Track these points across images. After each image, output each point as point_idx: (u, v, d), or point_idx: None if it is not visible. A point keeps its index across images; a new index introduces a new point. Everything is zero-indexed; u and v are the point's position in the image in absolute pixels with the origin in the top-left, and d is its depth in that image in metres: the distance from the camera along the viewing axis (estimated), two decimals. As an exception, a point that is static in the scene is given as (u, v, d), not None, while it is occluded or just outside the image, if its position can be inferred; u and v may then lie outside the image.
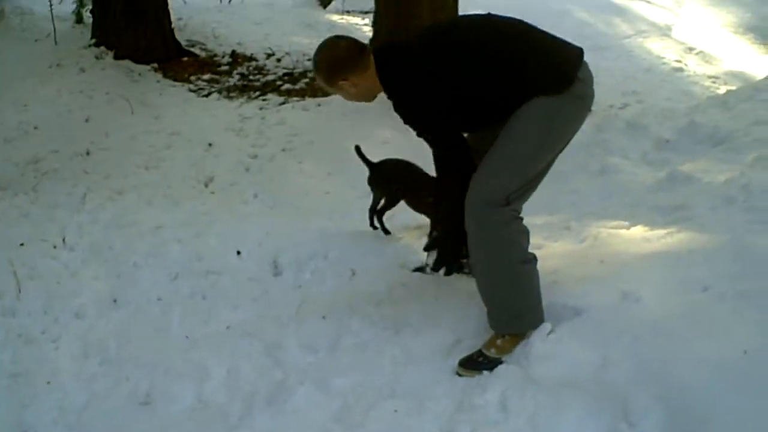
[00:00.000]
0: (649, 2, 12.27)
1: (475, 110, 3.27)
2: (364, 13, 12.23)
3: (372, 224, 4.62)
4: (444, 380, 3.22)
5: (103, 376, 3.53)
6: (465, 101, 3.22)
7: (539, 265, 3.27)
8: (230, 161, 6.29)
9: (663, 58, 9.45)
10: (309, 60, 8.93)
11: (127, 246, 4.77)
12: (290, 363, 3.47)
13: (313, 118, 7.06)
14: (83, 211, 5.32)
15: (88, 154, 6.51)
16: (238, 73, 8.74)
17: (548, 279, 3.53)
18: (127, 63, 8.67)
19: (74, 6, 10.24)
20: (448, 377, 3.24)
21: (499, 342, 3.24)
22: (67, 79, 8.21)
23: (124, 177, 6.03)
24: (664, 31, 10.87)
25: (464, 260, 3.74)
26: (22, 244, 4.74)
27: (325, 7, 13.04)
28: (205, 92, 8.13)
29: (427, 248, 3.68)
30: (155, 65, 8.76)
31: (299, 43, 9.92)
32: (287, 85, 8.21)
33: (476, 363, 3.23)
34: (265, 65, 8.98)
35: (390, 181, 4.52)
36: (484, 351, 3.25)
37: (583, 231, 4.32)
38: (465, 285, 3.83)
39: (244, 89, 8.19)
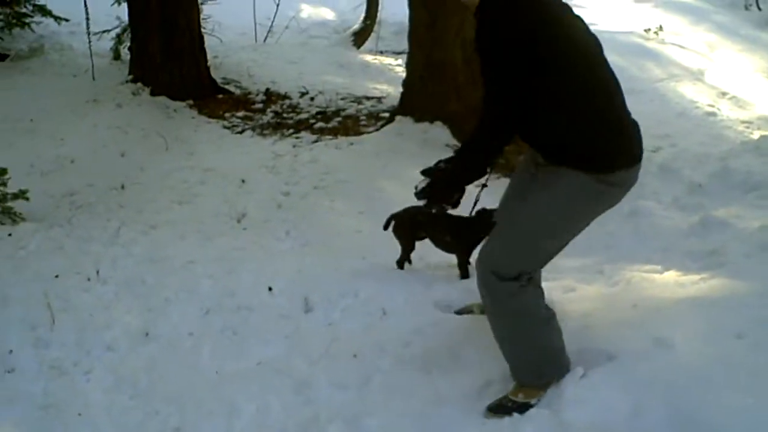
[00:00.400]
0: (681, 47, 12.27)
1: (534, 107, 3.02)
2: (397, 53, 12.31)
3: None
4: (473, 422, 3.22)
5: (133, 410, 3.55)
6: (538, 90, 2.98)
7: (572, 308, 3.27)
8: (263, 198, 6.33)
9: (696, 102, 9.42)
10: (342, 99, 9.02)
11: (160, 280, 4.80)
12: (320, 401, 3.48)
13: (346, 157, 7.09)
14: (117, 244, 5.36)
15: (122, 188, 6.57)
16: (272, 111, 8.80)
17: (581, 322, 3.52)
18: (163, 99, 8.77)
19: (112, 43, 10.41)
20: (477, 419, 3.24)
21: (525, 390, 3.24)
22: (103, 114, 8.31)
23: (157, 212, 6.08)
24: (697, 76, 10.85)
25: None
26: (56, 276, 4.79)
27: (358, 47, 13.14)
28: (239, 129, 8.19)
29: (424, 172, 3.44)
30: (191, 102, 8.85)
31: (332, 82, 10.00)
32: (320, 124, 8.25)
33: (505, 408, 3.22)
34: (298, 104, 9.05)
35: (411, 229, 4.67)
36: (512, 397, 3.24)
37: (616, 274, 4.31)
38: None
39: (278, 127, 8.25)
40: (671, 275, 4.07)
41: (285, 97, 9.29)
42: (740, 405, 2.74)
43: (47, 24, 10.86)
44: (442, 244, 4.61)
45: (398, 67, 11.09)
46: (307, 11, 15.52)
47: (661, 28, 12.59)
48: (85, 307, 4.46)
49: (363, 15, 13.62)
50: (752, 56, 12.06)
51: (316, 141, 7.69)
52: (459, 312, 4.08)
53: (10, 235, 5.36)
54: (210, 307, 4.43)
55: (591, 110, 3.03)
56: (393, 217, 4.67)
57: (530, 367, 3.24)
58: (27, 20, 10.57)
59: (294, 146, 7.52)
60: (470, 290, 4.29)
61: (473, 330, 3.84)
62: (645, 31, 12.48)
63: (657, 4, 15.37)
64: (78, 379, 3.81)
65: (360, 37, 13.35)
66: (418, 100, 7.57)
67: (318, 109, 8.75)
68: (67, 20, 10.62)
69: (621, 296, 3.89)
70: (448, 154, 6.85)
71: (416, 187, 3.33)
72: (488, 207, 4.30)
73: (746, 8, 15.37)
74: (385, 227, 4.66)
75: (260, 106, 8.97)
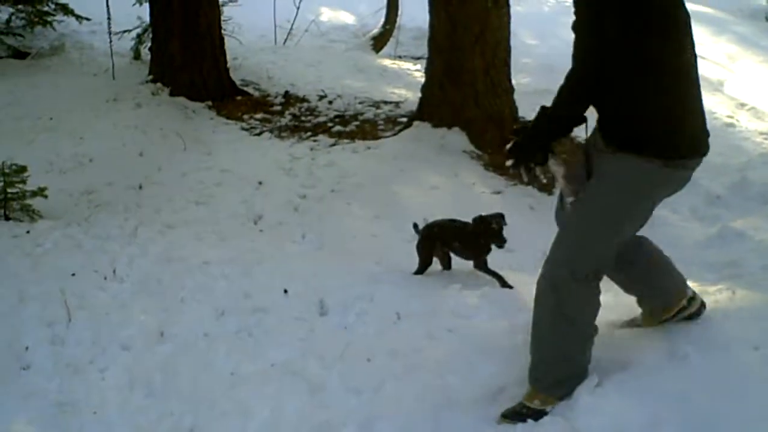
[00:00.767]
0: (702, 57, 12.18)
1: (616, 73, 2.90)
2: (415, 58, 12.33)
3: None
4: (486, 428, 3.20)
5: (148, 409, 3.56)
6: (635, 52, 2.87)
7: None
8: (279, 200, 6.35)
9: (715, 113, 9.38)
10: (360, 103, 9.02)
11: (176, 280, 4.81)
12: (334, 404, 3.47)
13: (363, 161, 7.11)
14: (134, 243, 5.39)
15: (140, 187, 6.61)
16: (290, 114, 8.83)
17: (596, 331, 3.50)
18: (182, 100, 8.82)
19: (133, 43, 10.47)
20: (489, 425, 3.22)
21: (541, 396, 3.23)
22: (123, 113, 8.36)
23: (174, 212, 6.11)
24: (717, 87, 10.80)
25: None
26: (73, 274, 4.81)
27: (377, 52, 13.16)
28: (257, 131, 8.22)
29: (513, 132, 3.35)
30: (209, 103, 8.90)
31: (351, 86, 10.02)
32: (338, 127, 8.27)
33: (520, 415, 3.20)
34: (316, 107, 9.07)
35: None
36: (526, 403, 3.23)
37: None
38: (509, 335, 3.82)
39: (296, 130, 8.27)
40: (688, 286, 4.05)
41: (303, 100, 9.31)
42: (757, 417, 2.72)
43: (69, 23, 10.96)
44: (455, 251, 4.68)
45: (416, 72, 11.10)
46: (327, 15, 15.55)
47: (681, 38, 12.53)
48: (101, 305, 4.47)
49: (382, 20, 13.65)
50: (773, 68, 12.02)
51: (333, 144, 7.71)
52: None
53: (28, 232, 5.40)
54: (225, 308, 4.43)
55: (678, 88, 2.99)
56: (418, 232, 4.87)
57: (557, 376, 3.22)
58: (49, 18, 10.65)
59: (311, 149, 7.54)
60: (485, 296, 4.30)
61: (487, 336, 3.84)
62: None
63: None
64: (93, 377, 3.81)
65: (379, 42, 13.38)
66: (436, 106, 7.59)
67: (336, 113, 8.77)
68: (88, 19, 10.71)
69: (635, 305, 3.87)
70: (465, 160, 6.91)
71: (506, 148, 3.27)
72: (484, 214, 4.52)
73: (767, 19, 15.30)
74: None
75: (278, 108, 9.00)
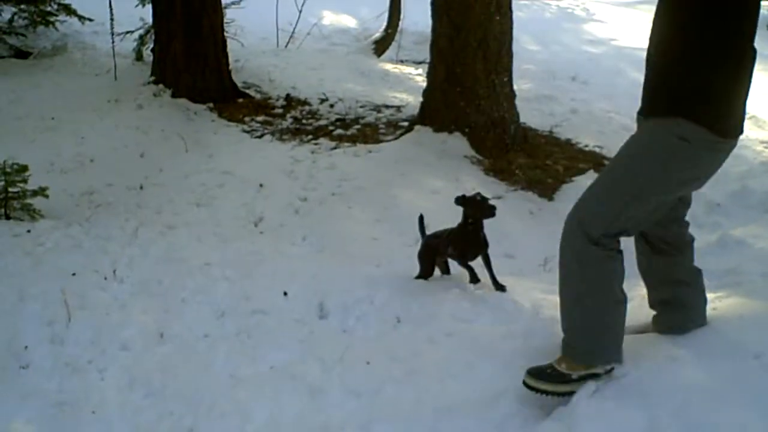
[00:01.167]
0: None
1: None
2: (417, 63, 12.35)
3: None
4: (485, 432, 3.21)
5: (147, 409, 3.56)
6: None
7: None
8: (280, 203, 6.36)
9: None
10: (361, 107, 9.04)
11: (176, 281, 4.82)
12: (333, 407, 3.48)
13: (364, 165, 7.12)
14: (134, 244, 5.39)
15: (141, 188, 6.62)
16: (291, 117, 8.84)
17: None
18: (183, 101, 8.84)
19: (135, 44, 10.49)
20: (489, 429, 3.22)
21: (568, 361, 3.21)
22: (124, 114, 8.37)
23: (175, 213, 6.12)
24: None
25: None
26: (74, 274, 4.81)
27: (379, 55, 13.18)
28: (259, 134, 8.23)
29: None
30: (211, 105, 8.90)
31: (352, 89, 10.04)
32: (339, 131, 8.28)
33: (543, 374, 3.19)
34: (318, 110, 9.09)
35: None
36: (555, 365, 3.21)
37: (631, 290, 4.27)
38: (508, 339, 3.83)
39: (297, 132, 8.28)
40: (687, 293, 4.06)
41: (305, 103, 9.33)
42: (757, 425, 2.72)
43: (71, 23, 10.99)
44: (451, 257, 4.70)
45: (418, 76, 11.13)
46: (329, 18, 15.59)
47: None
48: (101, 305, 4.47)
49: (384, 24, 13.67)
50: (773, 76, 12.02)
51: (334, 148, 7.71)
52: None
53: (29, 231, 5.40)
54: (225, 309, 4.44)
55: (740, 63, 2.96)
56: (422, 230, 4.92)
57: (585, 340, 3.19)
58: (51, 19, 10.69)
59: (312, 152, 7.55)
60: (485, 301, 4.31)
61: (486, 341, 3.85)
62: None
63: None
64: (93, 377, 3.82)
65: (381, 46, 13.41)
66: (437, 111, 7.60)
67: (337, 116, 8.78)
68: (91, 20, 10.74)
69: (636, 312, 3.87)
70: (466, 165, 6.92)
71: None
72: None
73: (768, 28, 15.30)
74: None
75: (280, 111, 9.01)
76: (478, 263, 4.55)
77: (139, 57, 10.44)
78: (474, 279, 4.55)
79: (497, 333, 3.93)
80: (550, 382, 3.17)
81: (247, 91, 9.63)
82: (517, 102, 7.78)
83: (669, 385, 3.05)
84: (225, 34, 9.60)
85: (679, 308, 3.49)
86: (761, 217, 5.40)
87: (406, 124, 8.11)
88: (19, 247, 5.16)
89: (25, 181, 5.66)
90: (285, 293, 4.59)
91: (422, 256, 4.81)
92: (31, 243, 5.25)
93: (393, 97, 9.82)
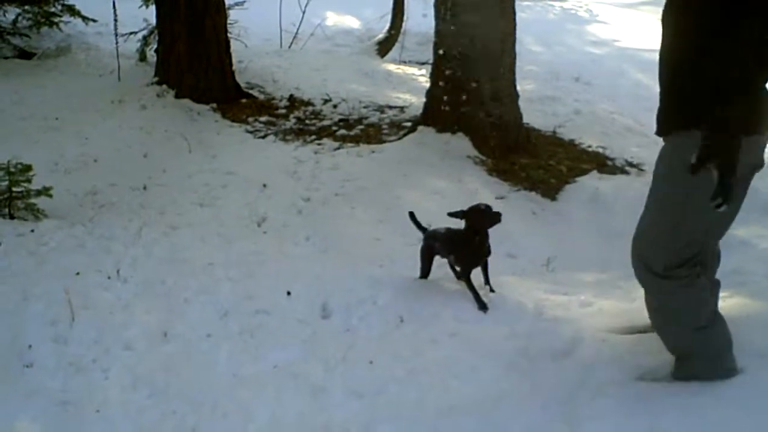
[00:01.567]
0: (706, 65, 12.21)
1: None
2: (420, 63, 12.36)
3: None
4: (487, 433, 3.22)
5: (150, 409, 3.56)
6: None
7: (589, 322, 3.26)
8: (283, 203, 6.36)
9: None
10: (365, 107, 9.04)
11: (179, 281, 4.81)
12: (335, 407, 3.48)
13: (367, 165, 7.12)
14: (138, 244, 5.39)
15: (145, 189, 6.62)
16: (294, 117, 8.84)
17: (597, 337, 3.51)
18: (187, 102, 8.84)
19: (139, 44, 10.50)
20: (492, 429, 3.22)
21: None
22: (128, 115, 8.38)
23: (179, 213, 6.12)
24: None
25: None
26: (77, 274, 4.81)
27: (382, 56, 13.18)
28: (262, 134, 8.23)
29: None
30: (214, 105, 8.91)
31: (356, 90, 10.04)
32: (342, 131, 8.28)
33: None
34: (321, 110, 9.09)
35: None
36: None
37: (634, 290, 4.29)
38: (511, 340, 3.84)
39: (300, 133, 8.28)
40: (691, 293, 4.06)
41: (308, 103, 9.33)
42: (763, 427, 2.72)
43: (75, 24, 11.02)
44: (450, 263, 4.68)
45: (421, 77, 11.12)
46: (332, 19, 15.60)
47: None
48: (104, 305, 4.47)
49: (388, 24, 13.68)
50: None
51: (337, 148, 7.72)
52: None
53: (32, 231, 5.40)
54: (228, 309, 4.44)
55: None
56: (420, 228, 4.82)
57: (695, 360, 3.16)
58: (55, 19, 10.71)
59: (316, 153, 7.55)
60: (488, 301, 4.31)
61: (489, 341, 3.85)
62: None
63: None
64: (96, 376, 3.81)
65: (384, 47, 13.41)
66: (440, 111, 7.60)
67: (340, 117, 8.78)
68: (94, 21, 10.77)
69: (639, 313, 3.87)
70: (469, 166, 6.92)
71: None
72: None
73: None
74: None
75: (283, 111, 9.01)
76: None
77: (142, 58, 10.44)
78: (482, 306, 4.31)
79: (500, 333, 3.93)
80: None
81: (251, 91, 9.63)
82: (521, 103, 7.78)
83: (674, 387, 3.06)
84: (228, 34, 9.60)
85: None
86: (764, 218, 5.39)
87: (409, 124, 8.12)
88: (22, 247, 5.17)
89: (29, 180, 5.66)
90: (288, 293, 4.59)
91: (422, 254, 4.76)
92: (35, 243, 5.25)
93: (396, 97, 9.82)
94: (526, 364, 3.48)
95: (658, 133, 3.05)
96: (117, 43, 9.76)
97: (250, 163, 7.27)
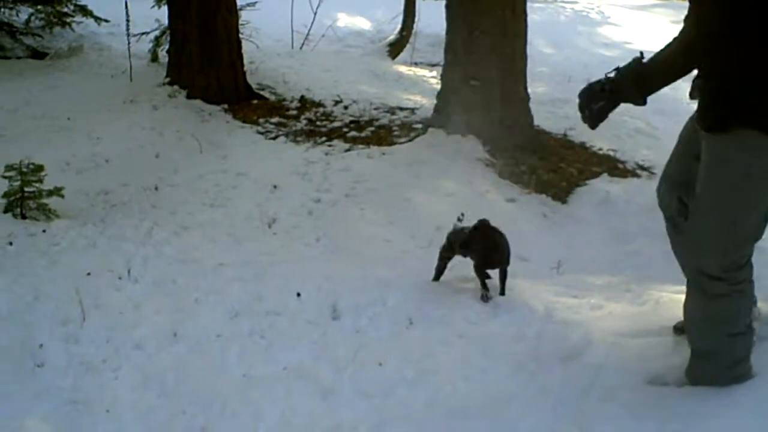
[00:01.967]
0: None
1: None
2: (432, 65, 12.35)
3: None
4: (497, 435, 3.21)
5: (160, 409, 3.57)
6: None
7: (600, 325, 3.25)
8: (294, 204, 6.37)
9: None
10: (375, 109, 9.04)
11: (190, 282, 4.83)
12: (345, 408, 3.49)
13: (378, 167, 7.11)
14: (149, 244, 5.41)
15: (156, 189, 6.64)
16: (305, 118, 8.83)
17: (607, 340, 3.51)
18: (198, 103, 8.84)
19: (151, 45, 10.53)
20: (501, 431, 3.22)
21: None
22: (139, 115, 8.40)
23: (189, 214, 6.14)
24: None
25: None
26: (88, 274, 4.83)
27: (393, 58, 13.19)
28: (273, 135, 8.23)
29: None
30: (226, 106, 8.91)
31: (366, 91, 10.04)
32: (353, 133, 8.26)
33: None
34: (332, 112, 9.08)
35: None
36: None
37: (644, 294, 4.30)
38: (521, 342, 3.84)
39: (311, 134, 8.28)
40: (701, 297, 4.05)
41: (319, 104, 9.33)
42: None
43: (87, 24, 11.06)
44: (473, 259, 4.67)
45: (432, 78, 11.11)
46: (343, 20, 15.62)
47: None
48: (115, 305, 4.49)
49: (399, 26, 13.68)
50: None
51: (348, 149, 7.71)
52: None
53: (44, 231, 5.43)
54: (238, 310, 4.45)
55: None
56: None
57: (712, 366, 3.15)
58: (68, 20, 10.77)
59: (326, 154, 7.55)
60: (497, 303, 4.31)
61: (499, 343, 3.85)
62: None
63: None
64: (107, 376, 3.83)
65: (395, 48, 13.41)
66: (450, 113, 7.59)
67: (351, 118, 8.77)
68: (107, 21, 10.81)
69: (649, 317, 3.88)
70: (479, 168, 6.91)
71: None
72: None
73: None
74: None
75: (294, 112, 9.01)
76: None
77: (154, 58, 10.47)
78: (485, 297, 4.41)
79: (510, 335, 3.93)
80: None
81: (262, 92, 9.63)
82: (531, 105, 7.77)
83: (684, 391, 3.06)
84: (240, 35, 9.62)
85: None
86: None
87: (420, 126, 8.11)
88: (34, 247, 5.19)
89: (40, 180, 5.69)
90: (298, 294, 4.59)
91: (442, 252, 4.74)
92: (47, 242, 5.28)
93: (407, 99, 9.80)
94: (535, 366, 3.48)
95: (710, 128, 2.96)
96: (129, 43, 9.77)
97: (260, 164, 7.28)
